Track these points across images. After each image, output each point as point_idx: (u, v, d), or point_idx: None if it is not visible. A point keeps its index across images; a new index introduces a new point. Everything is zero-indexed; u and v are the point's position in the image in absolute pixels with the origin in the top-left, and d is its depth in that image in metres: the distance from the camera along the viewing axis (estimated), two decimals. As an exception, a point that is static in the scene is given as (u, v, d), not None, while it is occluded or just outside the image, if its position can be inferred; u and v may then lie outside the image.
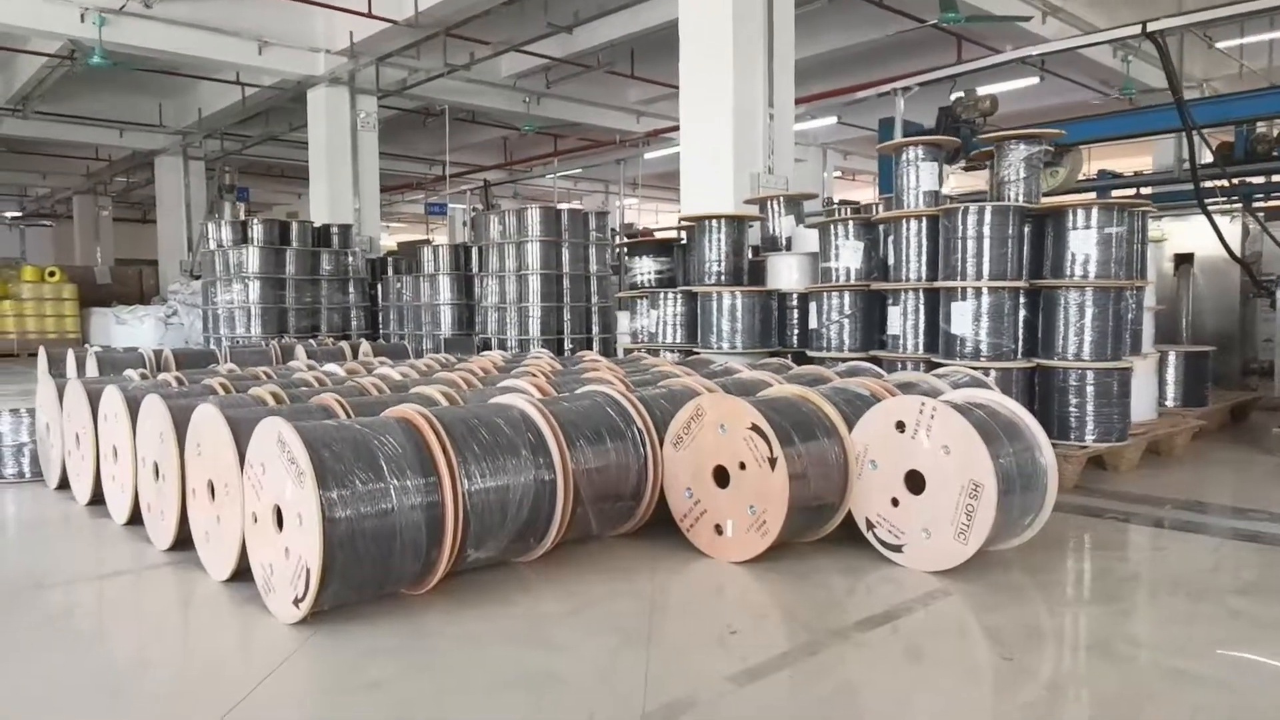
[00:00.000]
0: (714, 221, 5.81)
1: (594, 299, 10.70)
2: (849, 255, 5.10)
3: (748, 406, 2.98)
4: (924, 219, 4.77)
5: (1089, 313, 4.26)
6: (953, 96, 9.44)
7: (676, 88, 17.54)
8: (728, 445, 3.03)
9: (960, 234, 4.42)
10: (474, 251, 11.65)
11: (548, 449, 2.92)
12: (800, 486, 2.92)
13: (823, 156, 21.56)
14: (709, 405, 3.10)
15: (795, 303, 5.77)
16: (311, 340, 9.03)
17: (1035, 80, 15.04)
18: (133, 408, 3.51)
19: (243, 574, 2.75)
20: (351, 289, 12.16)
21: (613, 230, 11.22)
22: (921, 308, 4.78)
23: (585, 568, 3.02)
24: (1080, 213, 4.28)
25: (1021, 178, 4.58)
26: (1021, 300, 4.45)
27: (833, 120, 18.11)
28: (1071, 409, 4.31)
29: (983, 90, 12.56)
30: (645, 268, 6.48)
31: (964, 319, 4.37)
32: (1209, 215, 6.85)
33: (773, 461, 2.89)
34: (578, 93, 17.23)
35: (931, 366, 4.71)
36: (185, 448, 3.07)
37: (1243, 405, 6.28)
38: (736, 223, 5.82)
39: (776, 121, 8.32)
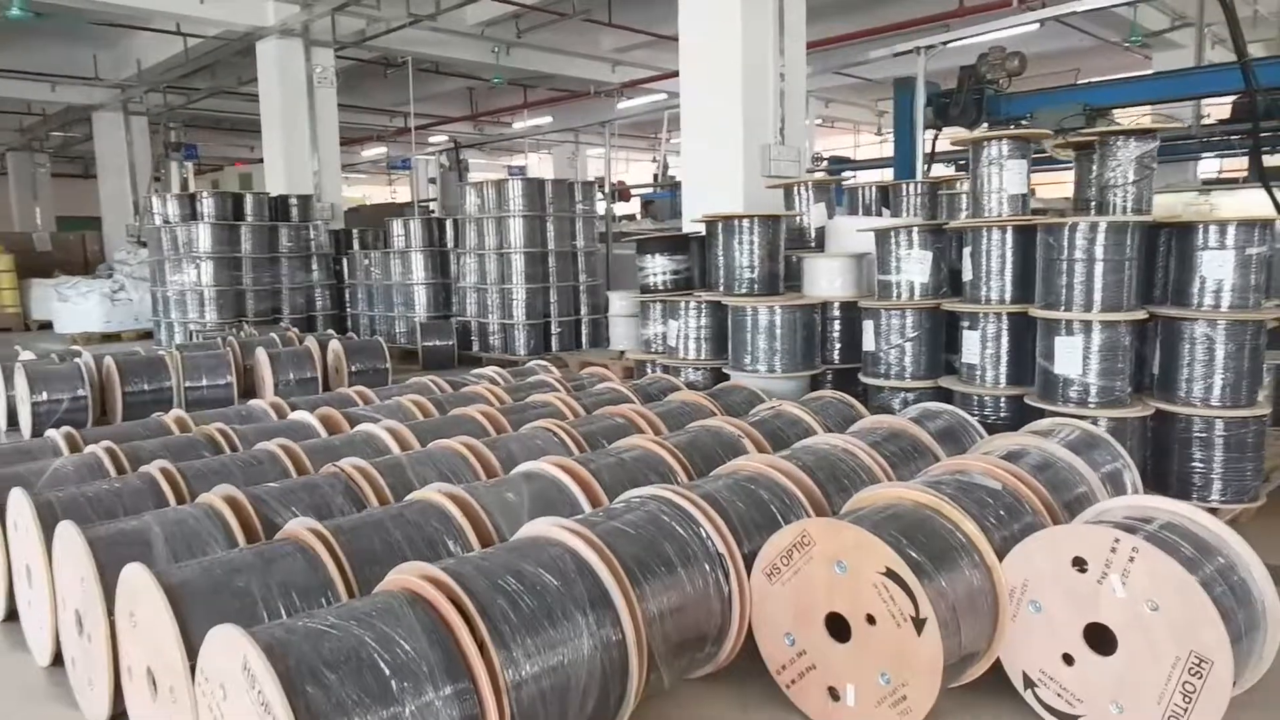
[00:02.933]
0: (744, 221, 5.00)
1: (582, 277, 9.85)
2: (915, 268, 4.33)
3: (880, 544, 2.23)
4: (1009, 229, 4.01)
5: (1221, 350, 3.55)
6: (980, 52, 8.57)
7: (655, 35, 16.48)
8: (848, 589, 2.29)
9: (1066, 254, 3.66)
10: (448, 225, 10.71)
11: (610, 599, 2.16)
12: (950, 646, 2.19)
13: (805, 105, 20.62)
14: (820, 534, 2.34)
15: (838, 313, 5.01)
16: (274, 335, 8.11)
17: (1035, 26, 14.20)
18: (48, 521, 2.68)
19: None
20: (315, 266, 11.16)
21: (601, 190, 10.29)
22: (1005, 333, 4.05)
23: (661, 749, 2.29)
24: (1214, 230, 3.54)
25: (1131, 182, 3.82)
26: (1134, 333, 3.72)
27: (815, 69, 17.18)
28: (1195, 464, 3.63)
29: (980, 36, 11.71)
30: (659, 267, 5.65)
31: (1071, 357, 3.64)
32: (1269, 189, 6.15)
33: (919, 623, 2.16)
34: (550, 41, 16.08)
35: (1017, 404, 4.00)
36: (116, 609, 2.26)
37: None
38: (771, 222, 5.00)
39: (788, 82, 7.47)
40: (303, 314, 10.99)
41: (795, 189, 5.91)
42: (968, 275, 4.16)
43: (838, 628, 2.34)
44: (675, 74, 18.15)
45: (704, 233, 5.61)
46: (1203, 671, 2.06)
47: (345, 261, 11.49)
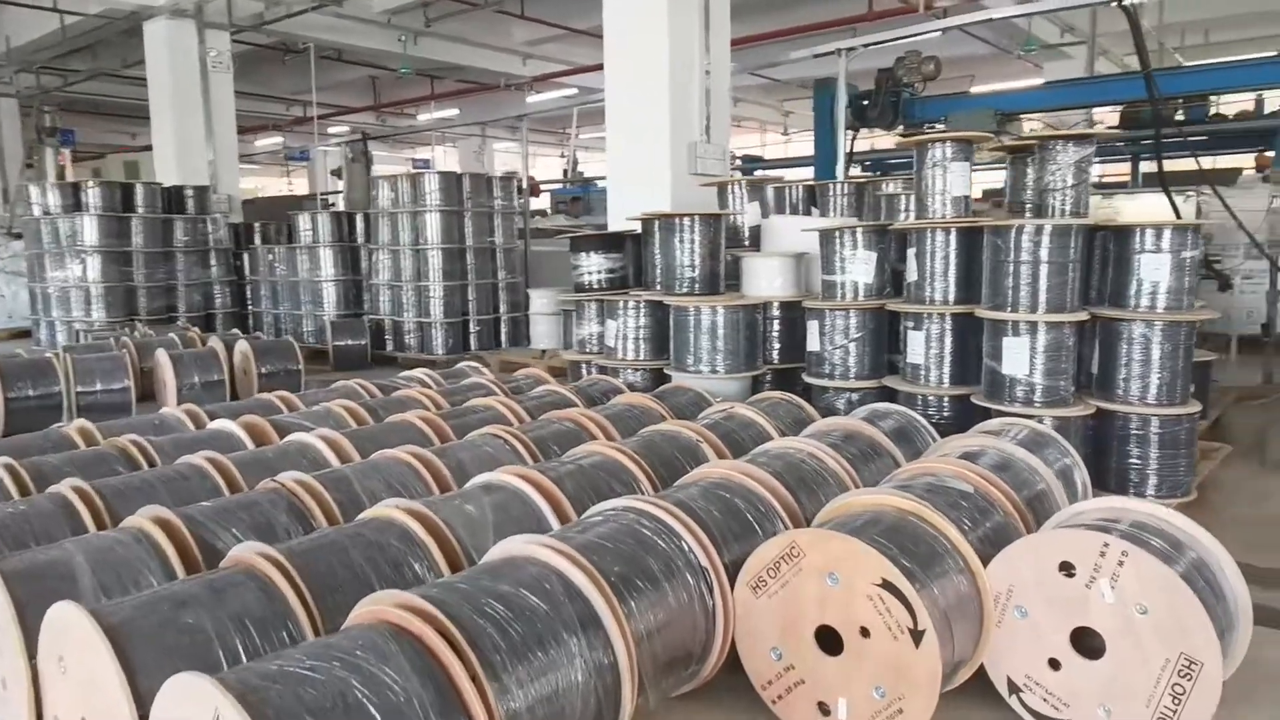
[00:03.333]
0: (685, 220, 4.92)
1: (501, 274, 9.61)
2: (859, 269, 4.33)
3: (875, 555, 2.17)
4: (953, 230, 4.05)
5: (1157, 350, 3.66)
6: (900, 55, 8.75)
7: (568, 29, 16.26)
8: (840, 601, 2.22)
9: (1013, 255, 3.71)
10: (359, 219, 10.28)
11: (600, 621, 2.04)
12: (945, 656, 2.15)
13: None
14: (809, 545, 2.27)
15: (778, 313, 4.99)
16: (172, 335, 7.61)
17: (937, 34, 14.66)
18: (-54, 552, 2.37)
19: None
20: (213, 262, 10.55)
21: (519, 184, 10.08)
22: (949, 333, 4.09)
23: (648, 776, 2.18)
24: (1151, 233, 3.65)
25: (1070, 185, 3.90)
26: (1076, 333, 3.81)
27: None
28: (1132, 461, 3.74)
29: (891, 42, 12.01)
30: (594, 266, 5.52)
31: (1019, 357, 3.70)
32: (1169, 193, 6.45)
33: (918, 635, 2.11)
34: (459, 32, 15.70)
35: (961, 404, 4.05)
36: (40, 653, 2.00)
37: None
38: (712, 221, 4.94)
39: (713, 80, 7.43)
40: (200, 312, 10.38)
41: (729, 188, 5.87)
42: (912, 276, 4.18)
43: (828, 641, 2.27)
44: (587, 69, 18.02)
45: (639, 231, 5.51)
46: (1192, 673, 2.07)
47: (247, 257, 10.91)
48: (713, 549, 2.40)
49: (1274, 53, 9.14)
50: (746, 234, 5.77)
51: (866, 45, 8.26)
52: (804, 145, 26.88)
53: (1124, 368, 3.72)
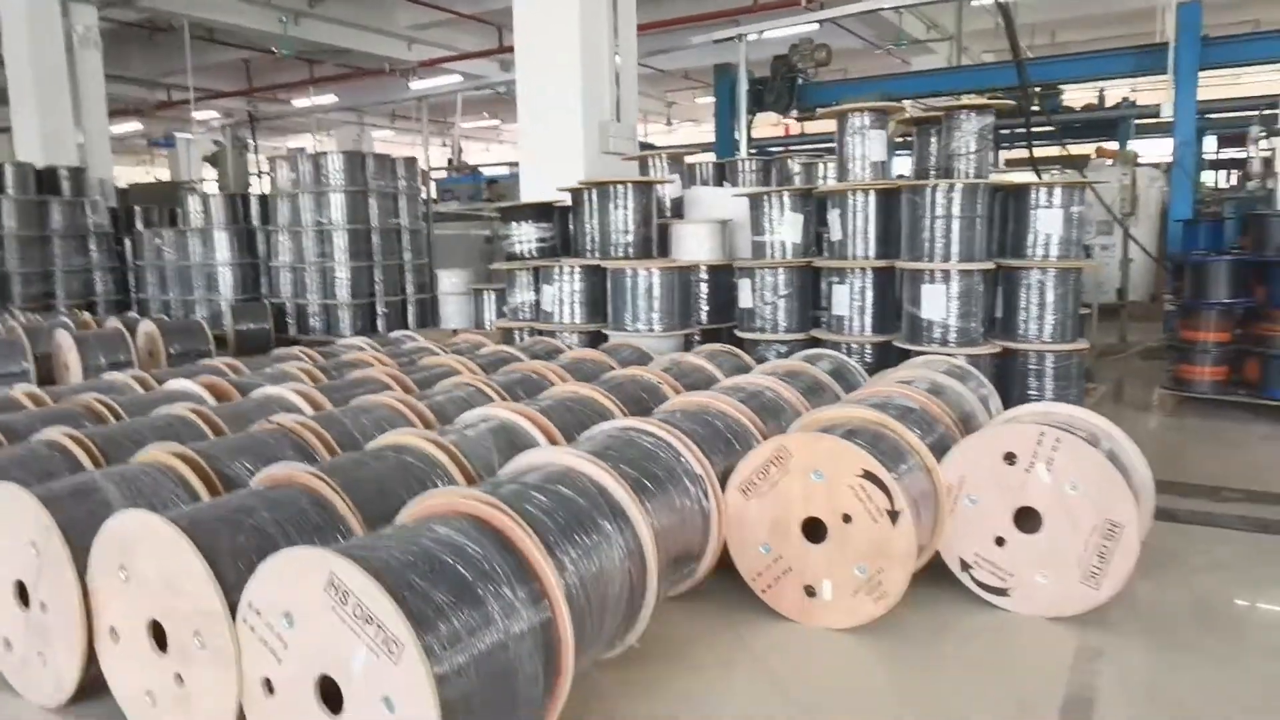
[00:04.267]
0: (619, 187, 5.16)
1: (407, 256, 9.58)
2: (788, 230, 4.69)
3: (857, 450, 2.49)
4: (872, 192, 4.46)
5: (1051, 294, 4.17)
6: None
7: (456, 13, 16.11)
8: (825, 494, 2.53)
9: (929, 212, 4.14)
10: (253, 201, 10.01)
11: (627, 514, 2.27)
12: (919, 536, 2.50)
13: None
14: (797, 447, 2.57)
15: (705, 276, 5.30)
16: (64, 319, 7.27)
17: (815, 26, 15.37)
18: (-49, 493, 2.36)
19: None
20: (93, 247, 10.04)
21: (423, 172, 10.05)
22: (870, 287, 4.50)
23: (661, 658, 2.42)
24: (1044, 191, 4.15)
25: (973, 151, 4.37)
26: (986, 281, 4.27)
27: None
28: (1031, 393, 4.24)
29: (768, 33, 12.65)
30: (526, 235, 5.68)
31: (936, 303, 4.13)
32: (1039, 174, 7.15)
33: (895, 515, 2.44)
34: (343, 14, 15.35)
35: (882, 349, 4.47)
36: (93, 567, 2.07)
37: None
38: (646, 189, 5.20)
39: (622, 61, 7.65)
40: (81, 299, 9.88)
41: (650, 162, 6.14)
42: (836, 235, 4.57)
43: (813, 531, 2.58)
44: (473, 54, 17.88)
45: (570, 202, 5.71)
46: (1115, 535, 2.49)
47: (129, 242, 10.42)
48: (705, 459, 2.66)
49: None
50: (669, 205, 6.06)
51: (762, 32, 8.69)
52: (686, 134, 27.46)
53: (1024, 310, 4.22)
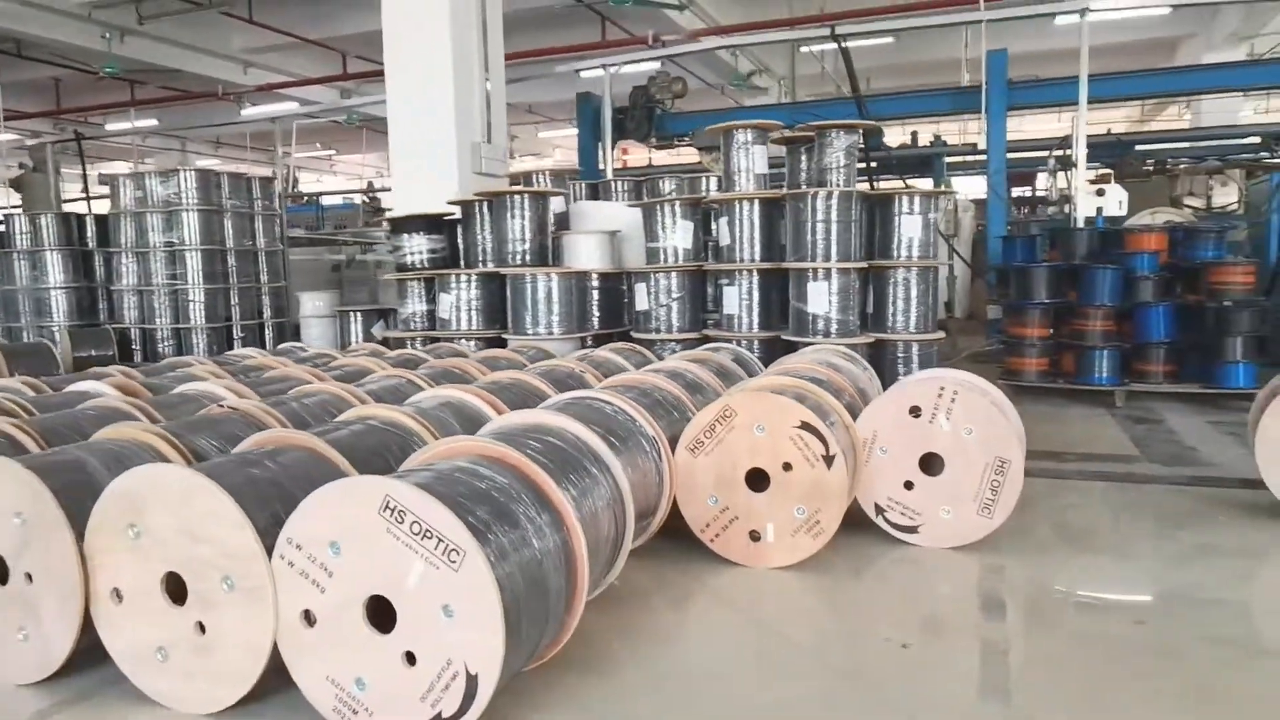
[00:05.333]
0: (516, 198, 5.37)
1: (264, 278, 9.29)
2: (681, 236, 5.06)
3: (795, 404, 2.83)
4: (757, 201, 4.90)
5: (914, 290, 4.74)
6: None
7: (298, 38, 15.76)
8: (767, 446, 2.85)
9: (810, 217, 4.62)
10: (88, 221, 9.42)
11: (606, 464, 2.50)
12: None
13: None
14: (741, 405, 2.88)
15: (597, 283, 5.59)
16: (-118, 343, 6.62)
17: (657, 65, 16.16)
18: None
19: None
20: (-105, 270, 9.10)
21: (281, 195, 9.83)
22: (756, 288, 4.92)
23: (630, 602, 2.65)
24: (907, 199, 4.73)
25: (842, 165, 4.90)
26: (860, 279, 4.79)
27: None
28: (900, 377, 4.77)
29: (596, 62, 13.28)
30: (417, 246, 5.77)
31: (820, 298, 4.60)
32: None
33: (829, 460, 2.79)
34: (173, 33, 14.68)
35: (768, 344, 4.90)
36: (92, 531, 2.07)
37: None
38: (541, 199, 5.44)
39: (492, 84, 7.86)
40: (-120, 329, 8.92)
41: (534, 177, 6.38)
42: (725, 240, 4.98)
43: (756, 481, 2.89)
44: (311, 81, 17.48)
45: (459, 214, 5.86)
46: (1004, 470, 2.95)
47: (-62, 266, 9.51)
48: (656, 424, 2.93)
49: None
50: (552, 218, 6.31)
51: (619, 67, 9.16)
52: (528, 167, 27.75)
53: (891, 305, 4.76)
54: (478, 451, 2.16)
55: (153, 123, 21.04)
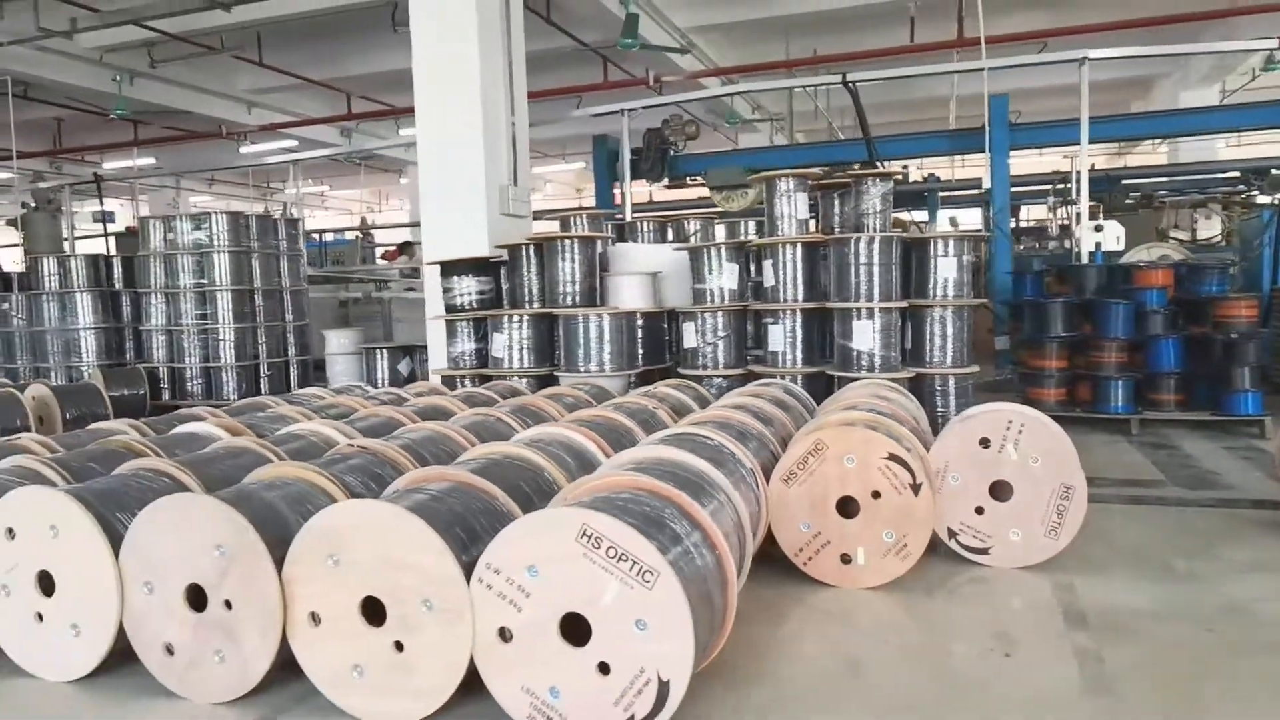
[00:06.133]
0: (566, 242, 5.66)
1: (289, 317, 9.50)
2: (728, 278, 5.36)
3: (883, 438, 3.11)
4: (800, 245, 5.22)
5: (950, 327, 5.06)
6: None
7: (301, 78, 16.06)
8: (857, 476, 3.13)
9: (854, 260, 4.94)
10: (115, 263, 9.60)
11: (727, 494, 2.76)
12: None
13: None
14: (832, 439, 3.16)
15: (641, 322, 5.86)
16: (-69, 385, 6.76)
17: (656, 100, 16.59)
18: (97, 509, 2.49)
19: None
20: (-76, 312, 9.24)
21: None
22: (799, 326, 5.22)
23: (740, 621, 2.89)
24: (942, 242, 5.06)
25: (878, 210, 5.24)
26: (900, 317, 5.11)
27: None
28: (939, 408, 5.08)
29: (614, 106, 13.69)
30: (466, 288, 6.03)
31: (865, 336, 4.90)
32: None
33: (916, 488, 3.07)
34: (182, 75, 14.95)
35: (810, 379, 5.19)
36: (296, 557, 2.31)
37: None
38: (590, 243, 5.73)
39: (517, 127, 8.11)
40: (-95, 369, 9.03)
41: (571, 220, 6.68)
42: (769, 282, 5.28)
43: (846, 508, 3.16)
44: (314, 121, 17.72)
45: (506, 257, 6.13)
46: (1070, 495, 3.24)
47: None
48: (753, 457, 3.20)
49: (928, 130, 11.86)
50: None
51: (645, 108, 9.53)
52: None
53: (929, 341, 5.07)
54: (631, 484, 2.42)
55: (151, 161, 21.24)
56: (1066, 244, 9.17)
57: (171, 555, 2.41)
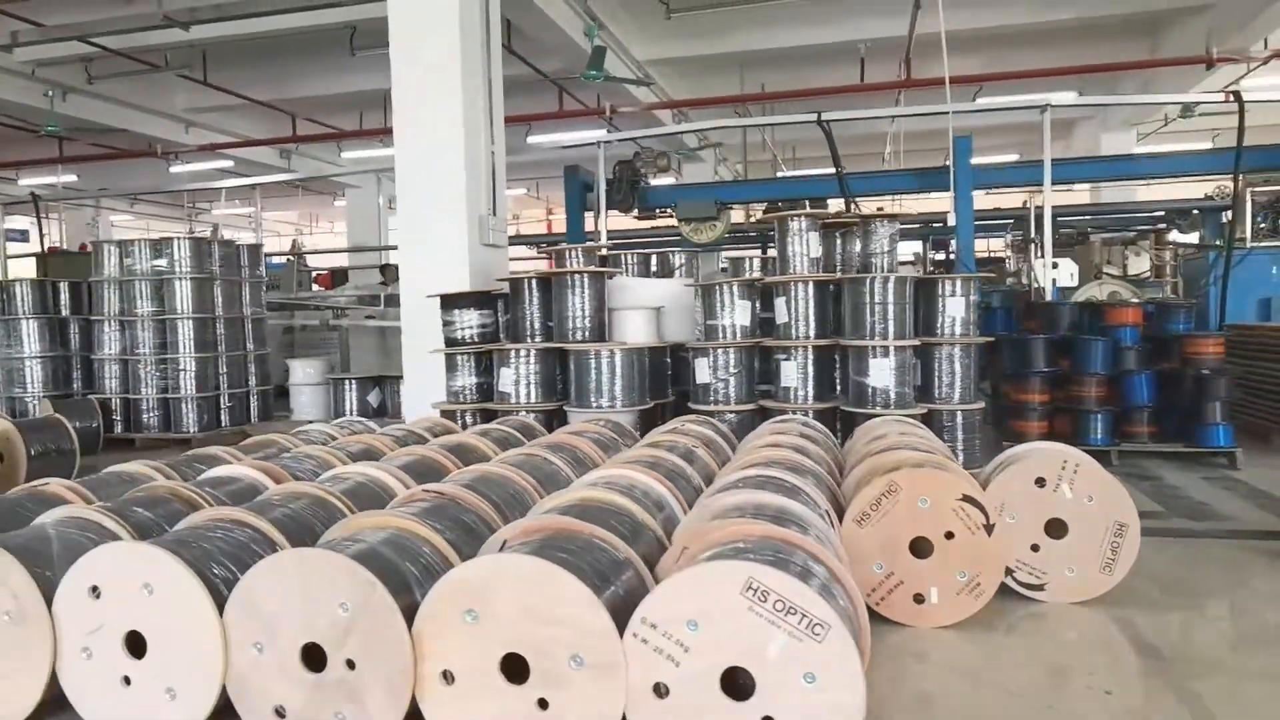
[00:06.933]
0: (577, 277, 5.65)
1: (250, 345, 9.19)
2: (740, 314, 5.42)
3: (956, 479, 3.19)
4: (811, 283, 5.32)
5: (958, 364, 5.22)
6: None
7: (246, 99, 15.68)
8: (930, 517, 3.20)
9: (869, 298, 5.07)
10: (63, 289, 9.14)
11: (829, 537, 2.79)
12: (992, 546, 3.22)
13: (377, 184, 21.09)
14: (905, 481, 3.23)
15: (648, 357, 5.88)
16: (-126, 420, 6.31)
17: (603, 131, 16.70)
18: (201, 568, 2.37)
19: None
20: None
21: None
22: (811, 362, 5.32)
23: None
24: (949, 283, 5.24)
25: (886, 251, 5.40)
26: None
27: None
28: (947, 442, 5.22)
29: (551, 137, 13.86)
30: (468, 321, 5.95)
31: (882, 373, 5.02)
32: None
33: (989, 528, 3.16)
34: (118, 92, 14.38)
35: (821, 415, 5.28)
36: (428, 614, 2.24)
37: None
38: (599, 278, 5.73)
39: (496, 158, 8.04)
40: None
41: (567, 254, 6.66)
42: (782, 319, 5.37)
43: (918, 549, 3.23)
44: (255, 142, 17.31)
45: (507, 290, 6.08)
46: (1124, 532, 3.38)
47: (-107, 333, 9.04)
48: (826, 499, 3.24)
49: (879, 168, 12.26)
50: (587, 294, 6.58)
51: (618, 140, 9.59)
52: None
53: (937, 377, 5.23)
54: (761, 533, 2.43)
55: (72, 178, 20.35)
56: (1023, 280, 9.56)
57: (286, 613, 2.31)
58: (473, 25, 7.33)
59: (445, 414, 6.04)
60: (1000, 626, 3.24)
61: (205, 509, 2.93)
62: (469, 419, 5.88)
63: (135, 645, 2.43)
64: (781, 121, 10.73)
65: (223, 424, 8.74)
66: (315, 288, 19.33)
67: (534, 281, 5.92)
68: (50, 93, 13.57)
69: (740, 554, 2.22)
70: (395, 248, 22.16)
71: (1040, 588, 3.46)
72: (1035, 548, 3.45)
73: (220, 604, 2.36)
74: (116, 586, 2.42)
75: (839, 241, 5.72)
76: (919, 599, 3.22)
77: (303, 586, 2.29)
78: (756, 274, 6.19)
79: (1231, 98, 7.77)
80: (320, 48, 13.35)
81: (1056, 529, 3.45)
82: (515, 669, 2.21)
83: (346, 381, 8.78)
